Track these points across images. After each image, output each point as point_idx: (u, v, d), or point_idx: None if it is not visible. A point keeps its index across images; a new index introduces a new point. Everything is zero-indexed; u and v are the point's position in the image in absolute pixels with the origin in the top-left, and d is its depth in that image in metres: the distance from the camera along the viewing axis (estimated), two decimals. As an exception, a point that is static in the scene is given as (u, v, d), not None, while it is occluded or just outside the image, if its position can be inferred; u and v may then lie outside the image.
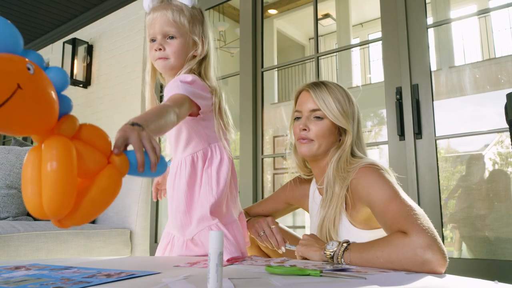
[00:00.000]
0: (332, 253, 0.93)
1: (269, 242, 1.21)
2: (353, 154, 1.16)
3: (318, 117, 1.16)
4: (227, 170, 1.13)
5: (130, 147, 0.68)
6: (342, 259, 0.91)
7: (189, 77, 1.05)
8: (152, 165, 0.68)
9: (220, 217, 1.11)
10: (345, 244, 0.92)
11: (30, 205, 0.54)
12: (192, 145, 1.13)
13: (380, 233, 1.02)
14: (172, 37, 1.09)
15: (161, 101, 1.19)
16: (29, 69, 0.51)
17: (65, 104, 0.60)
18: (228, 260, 1.02)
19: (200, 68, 1.15)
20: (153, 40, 1.10)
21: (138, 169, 0.66)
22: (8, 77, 0.47)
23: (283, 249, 1.19)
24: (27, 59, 0.52)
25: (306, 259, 1.02)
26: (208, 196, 1.09)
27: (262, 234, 1.23)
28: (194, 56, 1.13)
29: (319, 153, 1.17)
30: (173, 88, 1.00)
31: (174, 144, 1.16)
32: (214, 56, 1.19)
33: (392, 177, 1.06)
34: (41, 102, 0.52)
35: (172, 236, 1.20)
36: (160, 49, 1.08)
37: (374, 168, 1.05)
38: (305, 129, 1.16)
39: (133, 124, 0.71)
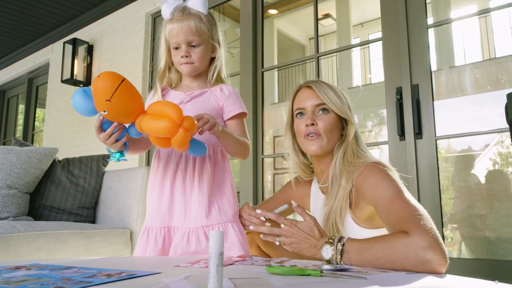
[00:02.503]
0: (329, 259, 0.91)
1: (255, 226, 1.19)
2: (359, 147, 1.18)
3: (324, 110, 1.19)
4: None
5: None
6: (342, 262, 0.90)
7: (235, 89, 1.29)
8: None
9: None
10: (340, 247, 0.91)
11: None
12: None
13: (383, 232, 1.01)
14: (194, 46, 1.21)
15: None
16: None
17: None
18: (239, 257, 1.07)
19: (219, 71, 1.30)
20: (176, 48, 1.22)
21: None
22: (118, 77, 0.95)
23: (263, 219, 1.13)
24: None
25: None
26: (234, 192, 1.25)
27: (244, 221, 1.20)
28: (213, 58, 1.28)
29: (329, 148, 1.18)
30: (237, 102, 1.25)
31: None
32: (225, 52, 1.31)
33: (397, 176, 1.06)
34: (133, 94, 0.97)
35: (156, 231, 1.19)
36: (186, 56, 1.21)
37: (379, 167, 1.06)
38: (313, 123, 1.17)
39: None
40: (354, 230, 1.10)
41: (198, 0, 1.21)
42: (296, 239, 0.99)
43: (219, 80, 1.29)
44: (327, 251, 0.92)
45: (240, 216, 1.24)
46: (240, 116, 1.26)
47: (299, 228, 0.99)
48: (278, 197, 1.41)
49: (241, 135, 1.23)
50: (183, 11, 1.20)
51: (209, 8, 1.25)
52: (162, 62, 1.29)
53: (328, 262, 0.92)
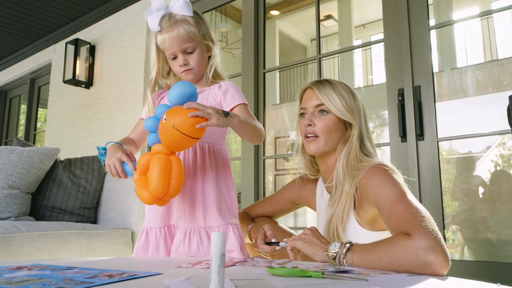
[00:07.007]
0: (334, 254, 0.92)
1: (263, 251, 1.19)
2: (362, 151, 1.17)
3: (322, 111, 1.18)
4: None
5: None
6: (344, 260, 0.90)
7: (234, 84, 1.26)
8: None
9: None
10: (347, 245, 0.92)
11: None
12: (223, 137, 1.28)
13: (387, 234, 1.01)
14: (191, 52, 1.21)
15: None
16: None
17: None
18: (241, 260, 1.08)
19: (215, 69, 1.28)
20: (174, 58, 1.22)
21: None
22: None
23: (276, 248, 1.17)
24: None
25: (306, 257, 1.01)
26: (235, 194, 1.24)
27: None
28: (209, 57, 1.27)
29: (326, 149, 1.17)
30: (236, 94, 1.21)
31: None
32: (219, 49, 1.30)
33: (400, 178, 1.06)
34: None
35: (156, 231, 1.20)
36: (185, 64, 1.21)
37: (383, 169, 1.05)
38: (310, 124, 1.17)
39: (224, 113, 0.98)
40: (357, 231, 1.10)
41: (181, 4, 1.17)
42: (310, 237, 1.01)
43: (216, 76, 1.28)
44: (335, 246, 0.94)
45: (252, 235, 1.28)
46: (241, 106, 1.21)
47: (312, 232, 1.04)
48: (281, 196, 1.41)
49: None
50: (170, 20, 1.17)
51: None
52: (153, 72, 1.27)
53: (332, 259, 0.92)
